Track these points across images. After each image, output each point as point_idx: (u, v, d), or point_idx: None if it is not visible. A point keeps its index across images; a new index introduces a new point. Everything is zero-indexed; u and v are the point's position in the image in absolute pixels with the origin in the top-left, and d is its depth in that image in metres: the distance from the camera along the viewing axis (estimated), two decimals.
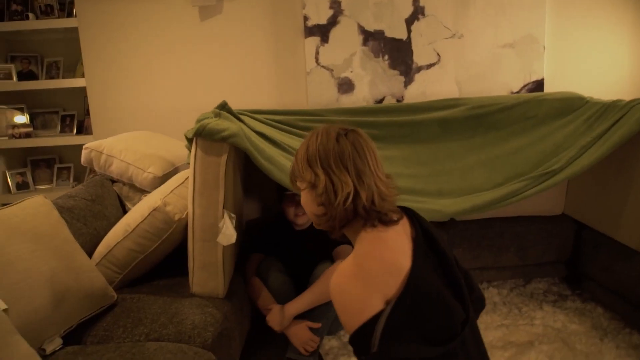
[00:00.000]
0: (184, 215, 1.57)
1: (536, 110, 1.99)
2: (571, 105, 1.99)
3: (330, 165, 0.97)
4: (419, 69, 2.99)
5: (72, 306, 1.32)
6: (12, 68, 3.10)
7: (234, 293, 1.64)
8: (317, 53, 2.98)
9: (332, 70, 3.00)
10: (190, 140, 1.50)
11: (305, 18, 2.89)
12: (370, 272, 0.90)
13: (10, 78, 3.09)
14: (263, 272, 1.80)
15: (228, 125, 1.41)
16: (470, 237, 2.22)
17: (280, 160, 1.56)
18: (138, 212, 1.58)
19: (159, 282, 1.65)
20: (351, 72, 2.92)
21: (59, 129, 3.28)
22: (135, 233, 1.55)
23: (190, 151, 1.47)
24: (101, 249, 1.60)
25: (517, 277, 2.34)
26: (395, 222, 0.98)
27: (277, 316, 1.66)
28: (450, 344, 0.89)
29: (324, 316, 1.69)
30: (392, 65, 2.96)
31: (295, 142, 1.72)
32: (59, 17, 3.01)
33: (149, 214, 1.54)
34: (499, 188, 1.77)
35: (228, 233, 1.40)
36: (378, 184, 0.99)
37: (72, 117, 3.30)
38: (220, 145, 1.40)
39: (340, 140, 0.98)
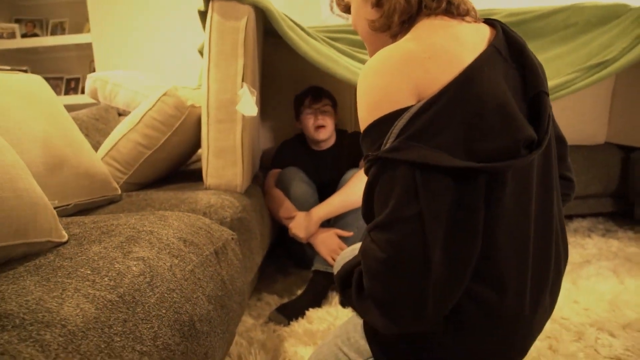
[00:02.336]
0: (198, 105, 1.41)
1: (577, 17, 1.83)
2: (615, 12, 1.82)
3: None
4: None
5: (69, 179, 1.14)
6: (16, 27, 3.00)
7: (253, 195, 1.45)
8: (332, 1, 2.86)
9: (348, 18, 2.87)
10: (204, 14, 1.34)
11: None
12: (408, 54, 0.66)
13: (14, 37, 2.98)
14: (284, 182, 1.61)
15: None
16: None
17: (302, 34, 1.40)
18: (146, 103, 1.42)
19: (170, 186, 1.47)
20: None
21: (64, 92, 3.16)
22: (143, 123, 1.38)
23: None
24: (105, 144, 1.43)
25: None
26: (465, 12, 0.74)
27: (303, 221, 1.46)
28: (499, 164, 0.63)
29: (355, 224, 1.49)
30: None
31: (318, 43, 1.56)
32: None
33: (158, 100, 1.38)
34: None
35: (249, 104, 1.23)
36: None
37: (77, 80, 3.18)
38: (239, 7, 1.25)
39: None
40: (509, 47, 0.73)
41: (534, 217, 0.70)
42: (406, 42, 0.70)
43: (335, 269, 1.19)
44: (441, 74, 0.65)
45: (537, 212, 0.71)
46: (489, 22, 0.77)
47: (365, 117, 0.68)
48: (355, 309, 0.72)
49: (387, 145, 0.63)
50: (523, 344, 0.73)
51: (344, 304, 1.41)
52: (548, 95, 0.71)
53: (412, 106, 0.64)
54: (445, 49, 0.67)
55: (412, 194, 0.61)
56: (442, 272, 0.61)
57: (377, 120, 0.65)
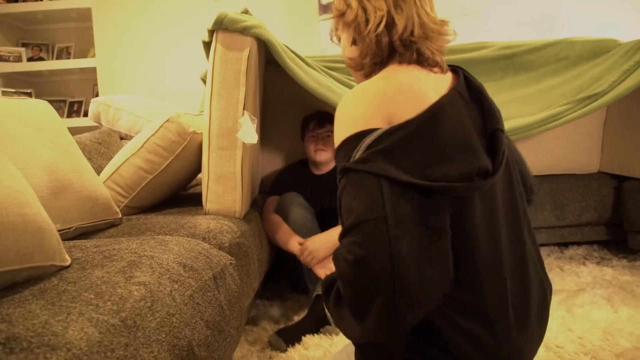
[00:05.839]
0: (199, 132, 1.44)
1: (568, 51, 1.90)
2: (605, 46, 1.89)
3: None
4: None
5: (72, 203, 1.16)
6: (23, 51, 3.07)
7: (251, 220, 1.47)
8: (332, 31, 2.94)
9: None
10: (208, 45, 1.39)
11: None
12: (381, 90, 0.75)
13: (20, 61, 3.05)
14: (283, 207, 1.63)
15: (251, 17, 1.31)
16: None
17: (302, 64, 1.45)
18: (149, 129, 1.46)
19: (170, 210, 1.49)
20: None
21: (66, 115, 3.21)
22: (145, 148, 1.41)
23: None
24: (107, 169, 1.46)
25: (554, 240, 2.16)
26: (434, 64, 0.81)
27: (323, 242, 1.47)
28: (451, 184, 0.68)
29: None
30: None
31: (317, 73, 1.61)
32: None
33: (160, 126, 1.41)
34: (539, 113, 1.65)
35: (249, 132, 1.26)
36: (422, 15, 0.83)
37: (80, 103, 3.24)
38: (242, 39, 1.30)
39: None
40: (470, 90, 0.82)
41: (504, 244, 0.74)
42: (377, 80, 0.78)
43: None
44: (411, 109, 0.73)
45: (508, 240, 0.75)
46: (452, 68, 0.86)
47: (341, 134, 0.75)
48: (332, 316, 0.75)
49: (356, 157, 0.70)
50: None
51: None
52: (503, 132, 0.79)
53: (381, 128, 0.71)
54: (411, 87, 0.75)
55: (377, 200, 0.66)
56: (412, 285, 0.63)
57: (350, 136, 0.72)
